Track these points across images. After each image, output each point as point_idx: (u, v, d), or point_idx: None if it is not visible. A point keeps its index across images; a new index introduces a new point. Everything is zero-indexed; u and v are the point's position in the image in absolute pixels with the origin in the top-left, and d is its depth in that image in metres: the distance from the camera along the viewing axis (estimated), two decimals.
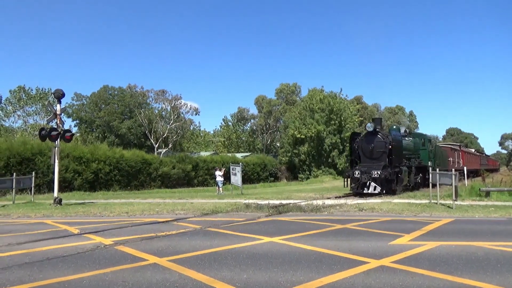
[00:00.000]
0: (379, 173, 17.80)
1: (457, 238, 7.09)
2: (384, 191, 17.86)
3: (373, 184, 18.09)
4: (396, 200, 15.00)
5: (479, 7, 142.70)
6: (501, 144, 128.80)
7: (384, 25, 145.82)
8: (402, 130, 23.99)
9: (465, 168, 26.97)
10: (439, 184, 13.76)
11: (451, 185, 12.65)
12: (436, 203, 13.12)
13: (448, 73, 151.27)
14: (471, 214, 10.84)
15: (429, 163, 23.28)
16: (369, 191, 18.09)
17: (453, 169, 13.75)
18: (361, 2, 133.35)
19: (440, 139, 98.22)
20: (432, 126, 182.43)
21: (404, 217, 10.40)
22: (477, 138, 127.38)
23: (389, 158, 18.71)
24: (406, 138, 22.84)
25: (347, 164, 34.02)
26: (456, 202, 12.52)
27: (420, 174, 22.78)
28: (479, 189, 16.65)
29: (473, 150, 57.10)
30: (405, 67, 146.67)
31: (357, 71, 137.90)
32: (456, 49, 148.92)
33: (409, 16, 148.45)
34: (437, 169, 17.22)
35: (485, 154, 70.69)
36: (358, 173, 18.37)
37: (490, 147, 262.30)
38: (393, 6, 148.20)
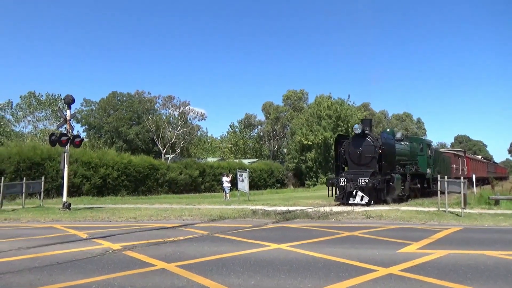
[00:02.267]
0: (366, 181, 15.91)
1: (466, 247, 7.03)
2: (372, 202, 16.02)
3: (360, 193, 16.21)
4: (404, 207, 14.88)
5: (490, 14, 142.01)
6: (510, 151, 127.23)
7: (393, 32, 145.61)
8: (399, 134, 22.49)
9: (473, 175, 26.60)
10: (448, 192, 13.62)
11: (460, 193, 12.54)
12: (445, 211, 13.00)
13: (457, 80, 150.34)
14: (480, 223, 10.73)
15: (428, 170, 21.99)
16: (355, 201, 16.19)
17: (462, 177, 13.58)
18: (370, 9, 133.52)
19: (448, 146, 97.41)
20: (440, 133, 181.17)
21: (412, 225, 10.32)
22: (486, 146, 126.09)
23: (379, 164, 16.90)
24: (402, 143, 21.11)
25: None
26: (465, 210, 12.41)
27: (418, 183, 21.07)
28: (488, 197, 16.47)
29: (479, 157, 55.07)
30: (413, 73, 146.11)
31: (365, 77, 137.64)
32: (465, 56, 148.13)
33: (419, 24, 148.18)
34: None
35: (493, 162, 69.64)
36: (344, 181, 16.48)
37: (500, 155, 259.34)
38: (402, 14, 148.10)
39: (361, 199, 16.14)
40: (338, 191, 17.17)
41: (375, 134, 17.95)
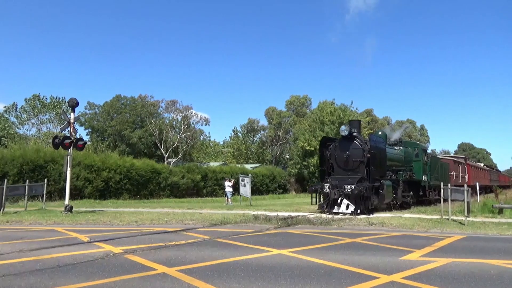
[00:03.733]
0: (352, 187, 14.64)
1: (470, 255, 6.97)
2: (358, 211, 14.64)
3: (345, 201, 14.92)
4: (406, 215, 14.80)
5: (495, 22, 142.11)
6: None
7: (396, 38, 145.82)
8: (397, 134, 21.28)
9: (477, 183, 26.42)
10: (451, 200, 13.53)
11: (463, 200, 12.47)
12: (448, 219, 12.93)
13: (461, 88, 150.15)
14: (484, 231, 10.65)
15: (424, 177, 20.78)
16: (340, 210, 14.90)
17: (465, 185, 13.52)
18: (372, 15, 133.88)
19: (452, 154, 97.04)
20: (444, 141, 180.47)
21: (414, 233, 10.27)
22: (490, 154, 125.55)
23: (367, 169, 15.62)
24: (396, 148, 19.97)
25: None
26: (468, 219, 12.33)
27: (411, 191, 19.46)
28: (492, 205, 16.36)
29: (482, 164, 53.96)
30: (417, 80, 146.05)
31: (368, 84, 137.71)
32: (470, 63, 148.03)
33: (423, 30, 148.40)
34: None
35: (497, 169, 69.15)
36: (328, 187, 15.17)
37: (504, 163, 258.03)
38: (406, 20, 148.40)
39: (347, 208, 14.87)
40: (322, 199, 15.98)
41: (364, 137, 16.45)
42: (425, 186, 21.06)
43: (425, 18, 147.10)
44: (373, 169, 15.42)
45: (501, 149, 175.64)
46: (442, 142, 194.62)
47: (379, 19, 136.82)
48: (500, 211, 15.58)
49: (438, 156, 32.09)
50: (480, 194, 26.68)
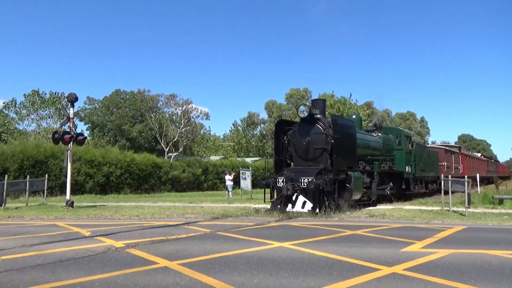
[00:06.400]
0: (309, 181, 12.13)
1: (470, 246, 6.98)
2: (317, 210, 12.02)
3: (302, 198, 12.42)
4: (407, 206, 14.83)
5: (495, 13, 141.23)
6: None
7: (397, 30, 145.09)
8: (373, 122, 18.89)
9: (477, 175, 26.38)
10: (452, 192, 13.55)
11: (463, 192, 12.49)
12: (448, 210, 12.95)
13: (461, 79, 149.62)
14: (484, 222, 10.67)
15: (407, 169, 18.40)
16: (295, 210, 12.31)
17: (466, 176, 13.52)
18: (371, 7, 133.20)
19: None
20: (444, 133, 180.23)
21: (415, 224, 10.28)
22: (490, 145, 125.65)
23: (332, 158, 12.98)
24: (374, 134, 17.47)
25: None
26: (468, 210, 12.34)
27: (391, 183, 17.08)
28: (492, 196, 16.43)
29: (479, 154, 51.46)
30: (417, 72, 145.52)
31: (368, 76, 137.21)
32: (469, 54, 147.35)
33: (423, 22, 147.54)
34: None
35: (495, 160, 68.80)
36: (283, 181, 12.67)
37: (504, 154, 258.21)
38: (406, 12, 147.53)
39: (303, 206, 12.35)
40: (276, 195, 13.46)
41: (329, 120, 13.68)
42: (408, 178, 18.83)
43: (425, 9, 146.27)
44: (337, 158, 12.73)
45: (501, 140, 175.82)
46: (442, 134, 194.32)
47: (378, 9, 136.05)
48: (501, 201, 15.65)
49: (429, 145, 29.25)
50: (475, 185, 25.64)
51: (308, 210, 12.15)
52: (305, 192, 12.37)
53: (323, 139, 13.08)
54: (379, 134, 17.91)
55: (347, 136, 13.55)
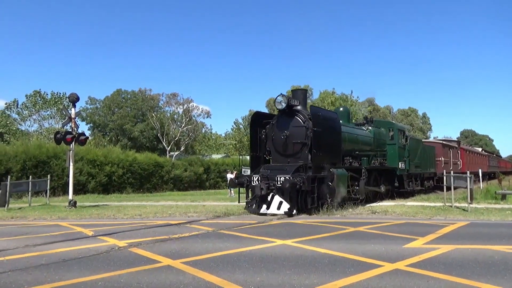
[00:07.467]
0: (284, 179, 11.00)
1: (473, 242, 6.98)
2: (295, 211, 11.15)
3: (278, 198, 11.33)
4: (409, 202, 14.83)
5: (495, 8, 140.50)
6: None
7: (398, 27, 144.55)
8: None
9: (480, 170, 26.25)
10: (454, 188, 13.53)
11: (466, 188, 12.47)
12: (451, 206, 12.93)
13: (463, 74, 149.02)
14: (487, 217, 10.65)
15: (400, 165, 17.28)
16: (270, 211, 11.32)
17: (468, 172, 13.47)
18: (375, 4, 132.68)
19: None
20: (446, 128, 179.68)
21: (418, 220, 10.28)
22: (492, 140, 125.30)
23: (312, 153, 11.94)
24: (364, 128, 16.51)
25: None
26: (471, 205, 12.33)
27: (385, 182, 16.44)
28: (495, 192, 16.37)
29: (479, 149, 49.69)
30: (419, 68, 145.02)
31: (370, 73, 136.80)
32: (471, 49, 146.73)
33: (424, 19, 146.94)
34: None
35: (496, 155, 68.31)
36: (257, 180, 11.50)
37: (507, 149, 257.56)
38: (407, 8, 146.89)
39: (279, 207, 11.28)
40: (251, 194, 12.35)
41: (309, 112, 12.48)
42: (402, 175, 17.72)
43: (425, 6, 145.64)
44: (317, 154, 11.68)
45: (504, 136, 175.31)
46: (444, 130, 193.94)
47: (379, 7, 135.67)
48: (503, 197, 15.59)
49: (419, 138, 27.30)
50: (478, 180, 25.16)
51: (285, 212, 11.19)
52: (281, 191, 11.25)
53: (303, 132, 12.06)
54: (370, 128, 16.84)
55: (329, 130, 12.47)
